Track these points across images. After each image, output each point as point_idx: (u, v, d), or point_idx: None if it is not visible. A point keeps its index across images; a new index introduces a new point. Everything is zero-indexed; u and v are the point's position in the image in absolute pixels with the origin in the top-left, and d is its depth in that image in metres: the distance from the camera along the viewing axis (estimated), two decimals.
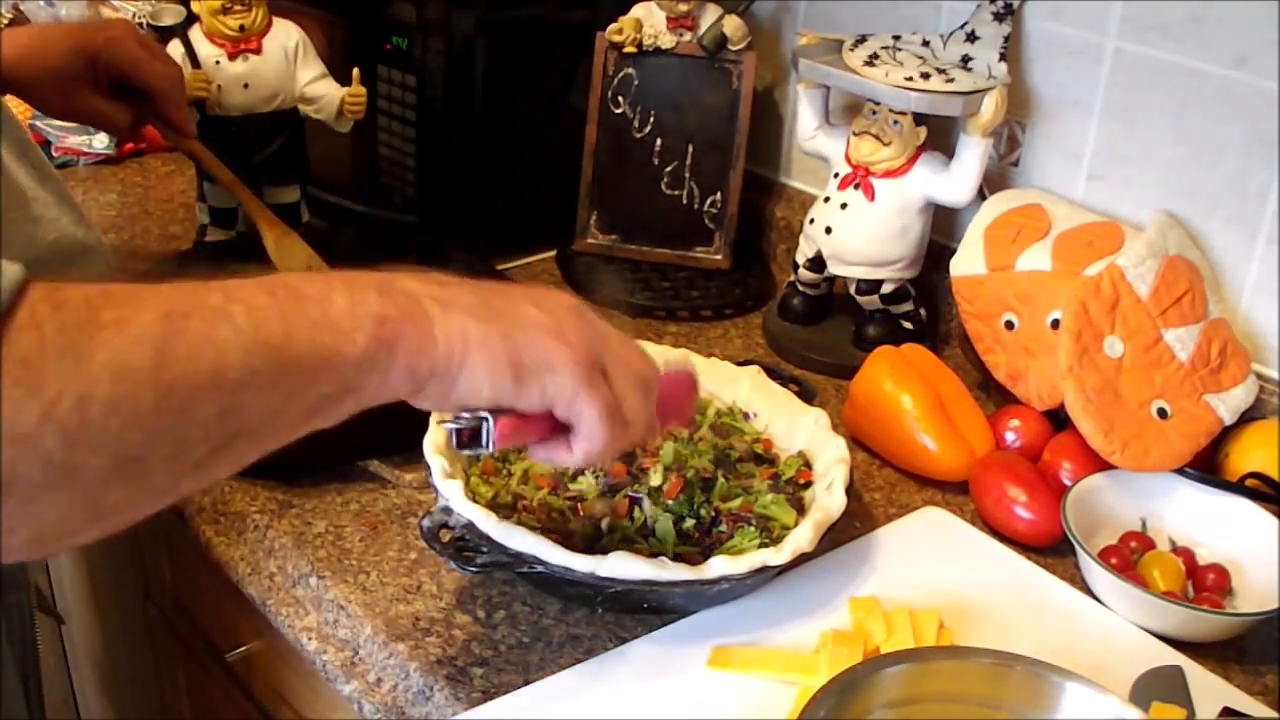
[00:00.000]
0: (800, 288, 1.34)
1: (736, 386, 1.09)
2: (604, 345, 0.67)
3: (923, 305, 1.31)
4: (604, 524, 0.93)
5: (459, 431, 0.67)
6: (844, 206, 1.26)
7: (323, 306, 0.55)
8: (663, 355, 1.03)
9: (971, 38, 1.21)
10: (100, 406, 0.48)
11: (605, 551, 0.89)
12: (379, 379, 0.58)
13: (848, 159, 1.26)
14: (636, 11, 1.36)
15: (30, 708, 0.93)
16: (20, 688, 0.91)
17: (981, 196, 1.23)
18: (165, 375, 0.49)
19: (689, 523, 0.94)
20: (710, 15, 1.36)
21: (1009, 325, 1.15)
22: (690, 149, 1.41)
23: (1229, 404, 1.06)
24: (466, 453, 0.71)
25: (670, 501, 0.95)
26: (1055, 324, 1.10)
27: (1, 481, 0.46)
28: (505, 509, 0.94)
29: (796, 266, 1.32)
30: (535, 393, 0.64)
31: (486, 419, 0.66)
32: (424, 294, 0.61)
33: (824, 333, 1.33)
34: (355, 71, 1.31)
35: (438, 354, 0.60)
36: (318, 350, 0.55)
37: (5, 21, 1.64)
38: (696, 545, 0.93)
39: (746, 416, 1.07)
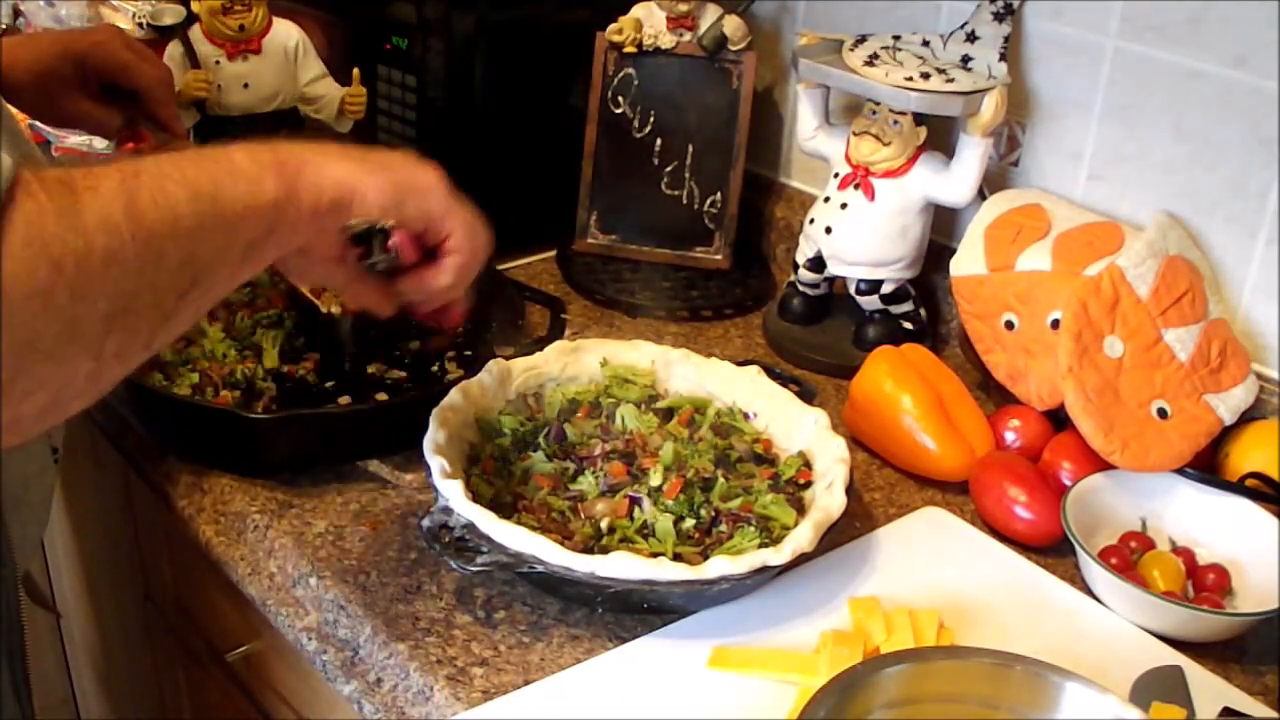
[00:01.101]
0: (800, 288, 1.34)
1: (736, 386, 1.09)
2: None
3: (923, 305, 1.31)
4: (604, 524, 0.93)
5: (356, 237, 0.80)
6: (844, 206, 1.26)
7: (231, 164, 0.66)
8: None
9: (971, 38, 1.21)
10: (98, 258, 0.56)
11: (605, 551, 0.89)
12: (293, 214, 0.69)
13: (848, 159, 1.26)
14: (636, 11, 1.36)
15: (18, 691, 0.93)
16: (5, 664, 0.91)
17: (981, 196, 1.23)
18: (139, 228, 0.58)
19: (689, 523, 0.94)
20: (710, 15, 1.36)
21: (1009, 325, 1.15)
22: (690, 149, 1.41)
23: (1229, 404, 1.06)
24: (371, 264, 0.82)
25: (670, 501, 0.95)
26: (1055, 324, 1.10)
27: (24, 343, 0.53)
28: (505, 509, 0.94)
29: (796, 266, 1.32)
30: (415, 209, 0.78)
31: (384, 230, 0.79)
32: (307, 150, 0.72)
33: (824, 333, 1.33)
34: (355, 71, 1.31)
35: (332, 188, 0.72)
36: (240, 197, 0.65)
37: (2, 27, 1.64)
38: (696, 545, 0.93)
39: (746, 416, 1.07)
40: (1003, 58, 1.20)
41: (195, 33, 1.28)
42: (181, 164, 0.63)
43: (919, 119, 1.21)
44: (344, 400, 1.12)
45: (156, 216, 0.59)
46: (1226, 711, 0.85)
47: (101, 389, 0.60)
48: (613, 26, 1.36)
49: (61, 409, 0.59)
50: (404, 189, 0.77)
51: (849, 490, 0.96)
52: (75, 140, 1.60)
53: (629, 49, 1.36)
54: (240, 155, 0.67)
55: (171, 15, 1.30)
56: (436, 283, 0.84)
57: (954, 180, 1.21)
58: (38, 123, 1.58)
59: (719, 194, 1.42)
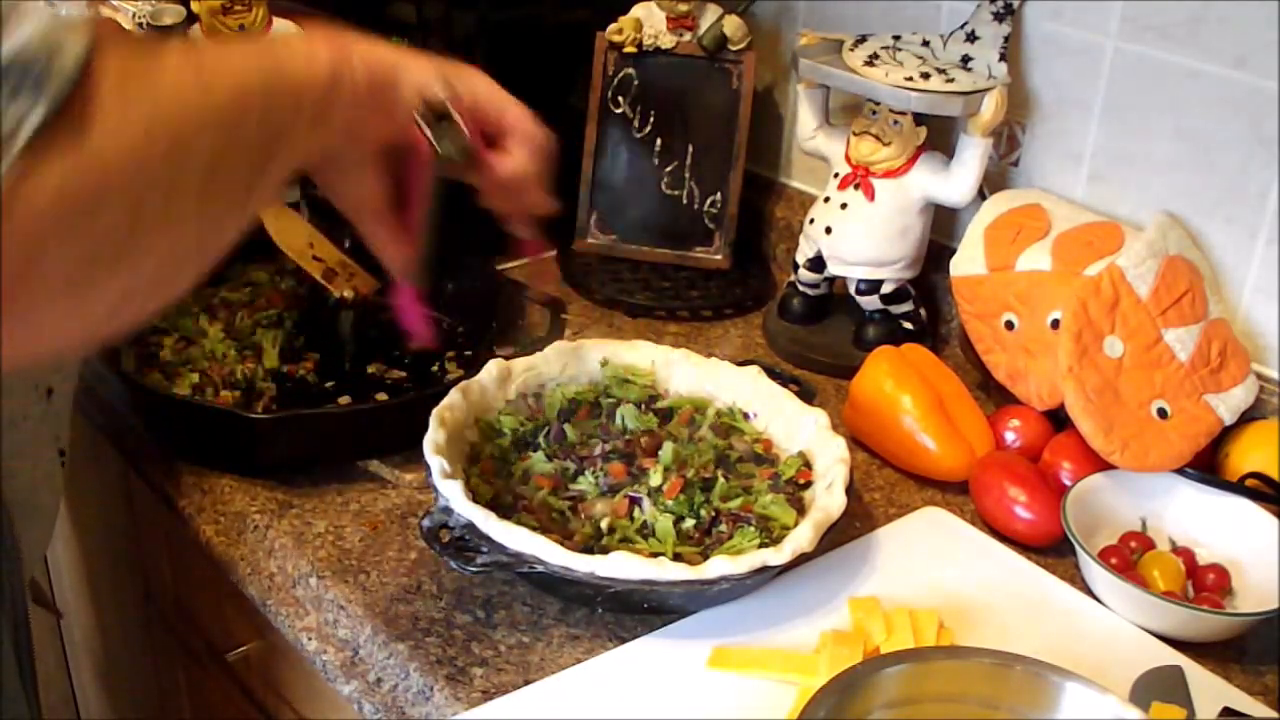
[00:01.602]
0: (800, 288, 1.34)
1: (736, 386, 1.09)
2: None
3: (923, 305, 1.31)
4: (604, 524, 0.93)
5: (429, 109, 0.76)
6: (844, 206, 1.26)
7: (284, 41, 0.68)
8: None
9: (971, 38, 1.21)
10: (193, 118, 0.54)
11: (605, 551, 0.89)
12: (349, 79, 0.68)
13: (848, 159, 1.26)
14: (636, 11, 1.36)
15: (26, 690, 0.93)
16: (19, 680, 0.91)
17: (981, 196, 1.23)
18: (213, 93, 0.56)
19: (689, 523, 0.94)
20: (710, 15, 1.36)
21: (1009, 325, 1.15)
22: (690, 149, 1.41)
23: (1229, 404, 1.06)
24: (444, 154, 0.77)
25: (670, 501, 0.95)
26: (1055, 324, 1.10)
27: (130, 207, 0.51)
28: (505, 509, 0.94)
29: (796, 266, 1.32)
30: (464, 87, 0.77)
31: (443, 114, 0.76)
32: (349, 34, 0.71)
33: (824, 333, 1.33)
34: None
35: (380, 59, 0.72)
36: (300, 65, 0.65)
37: None
38: (696, 545, 0.93)
39: (746, 416, 1.07)
40: (1003, 58, 1.20)
41: (195, 33, 1.28)
42: (240, 46, 0.65)
43: (919, 119, 1.21)
44: (344, 400, 1.12)
45: (227, 80, 0.58)
46: (1226, 711, 0.85)
47: (205, 261, 0.59)
48: (613, 26, 1.36)
49: (171, 282, 0.58)
50: (447, 68, 0.77)
51: (849, 490, 0.96)
52: None
53: (629, 49, 1.36)
54: (295, 40, 0.69)
55: (171, 15, 1.30)
56: (509, 167, 0.81)
57: (954, 180, 1.21)
58: None
59: (719, 194, 1.42)
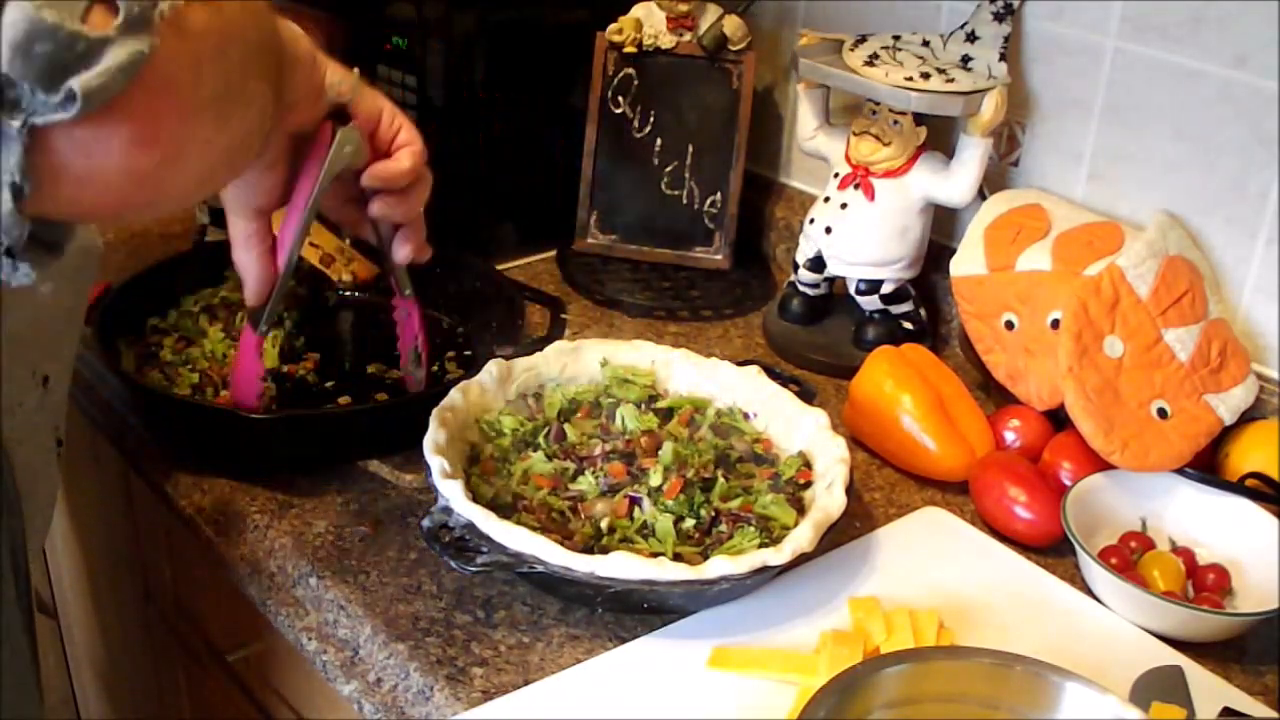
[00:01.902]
0: (800, 288, 1.34)
1: (736, 386, 1.09)
2: None
3: (923, 305, 1.31)
4: (604, 524, 0.93)
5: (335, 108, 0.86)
6: (844, 206, 1.26)
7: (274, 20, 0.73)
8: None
9: (971, 38, 1.21)
10: (236, 37, 0.62)
11: (605, 551, 0.89)
12: (310, 68, 0.80)
13: (848, 159, 1.26)
14: (636, 11, 1.36)
15: (26, 684, 0.93)
16: (31, 685, 0.91)
17: (981, 196, 1.23)
18: (230, 16, 0.63)
19: (689, 523, 0.94)
20: (710, 15, 1.36)
21: (1009, 325, 1.15)
22: (690, 149, 1.41)
23: (1229, 404, 1.06)
24: (342, 138, 0.87)
25: (670, 501, 0.95)
26: (1055, 324, 1.10)
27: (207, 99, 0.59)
28: (505, 509, 0.94)
29: (796, 266, 1.32)
30: (371, 100, 0.88)
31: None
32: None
33: (824, 333, 1.33)
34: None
35: (305, 40, 0.80)
36: (288, 39, 0.75)
37: None
38: (696, 545, 0.93)
39: (746, 416, 1.07)
40: (1003, 58, 1.20)
41: None
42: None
43: (919, 119, 1.21)
44: (344, 400, 1.12)
45: (246, 22, 0.64)
46: (1226, 711, 0.85)
47: (230, 173, 0.69)
48: (613, 26, 1.36)
49: (209, 181, 0.66)
50: (360, 83, 0.87)
51: (849, 490, 0.96)
52: None
53: (629, 49, 1.36)
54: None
55: None
56: (396, 168, 0.90)
57: (954, 180, 1.21)
58: None
59: (719, 194, 1.42)
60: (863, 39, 1.24)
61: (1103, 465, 1.03)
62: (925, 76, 1.16)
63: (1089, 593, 0.97)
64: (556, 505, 0.95)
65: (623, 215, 1.44)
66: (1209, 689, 0.87)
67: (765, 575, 0.90)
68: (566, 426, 1.03)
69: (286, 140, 0.86)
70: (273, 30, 0.70)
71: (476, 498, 0.92)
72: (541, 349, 1.09)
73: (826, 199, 1.28)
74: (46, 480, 0.95)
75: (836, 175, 1.27)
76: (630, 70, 1.38)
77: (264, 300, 0.92)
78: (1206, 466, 1.05)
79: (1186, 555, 1.00)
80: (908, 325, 1.30)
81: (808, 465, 1.01)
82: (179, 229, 1.45)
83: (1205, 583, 0.98)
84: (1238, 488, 1.02)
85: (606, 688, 0.85)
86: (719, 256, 1.44)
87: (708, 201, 1.42)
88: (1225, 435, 1.06)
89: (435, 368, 1.19)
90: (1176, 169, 1.14)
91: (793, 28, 1.42)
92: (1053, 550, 1.03)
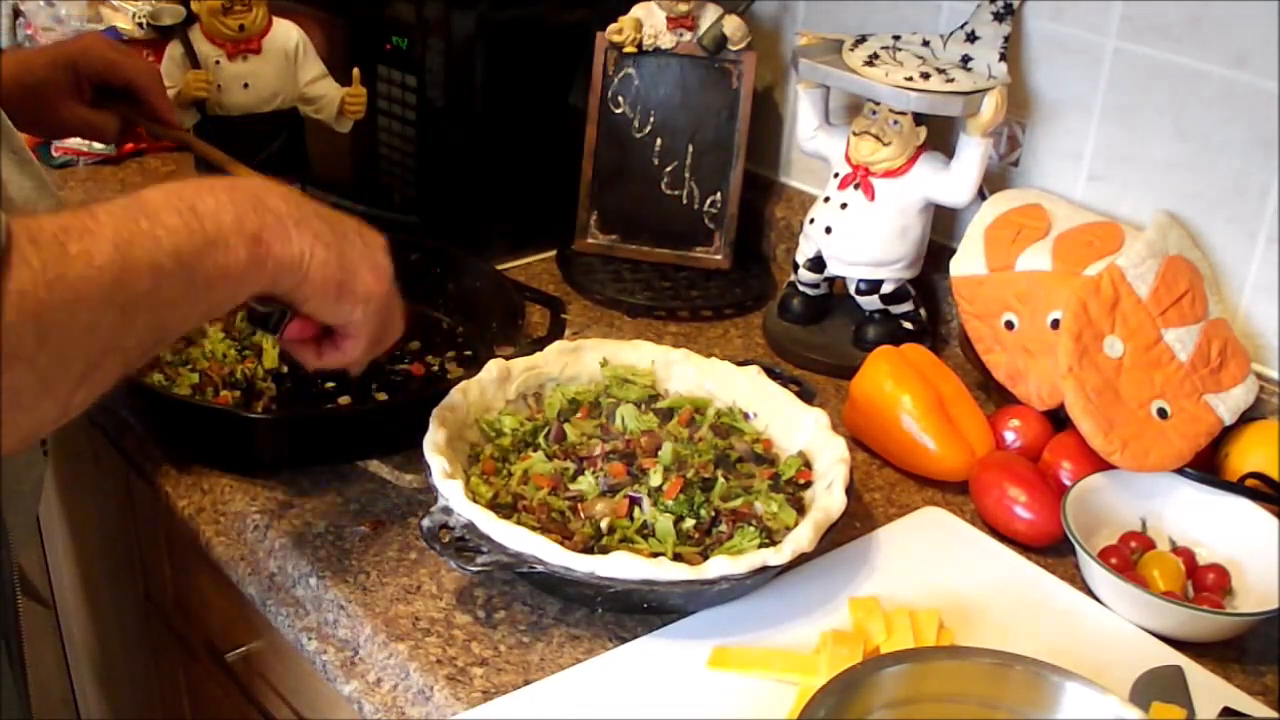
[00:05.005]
0: (800, 288, 1.34)
1: (736, 386, 1.09)
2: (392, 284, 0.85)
3: (923, 305, 1.31)
4: (604, 524, 0.93)
5: (254, 313, 0.82)
6: (844, 206, 1.26)
7: (216, 224, 0.69)
8: None
9: (971, 38, 1.21)
10: (81, 327, 0.60)
11: (605, 551, 0.89)
12: (253, 281, 0.74)
13: (848, 159, 1.26)
14: (636, 11, 1.36)
15: (19, 689, 0.93)
16: (9, 665, 0.91)
17: (981, 196, 1.23)
18: (125, 297, 0.62)
19: (689, 523, 0.94)
20: (710, 15, 1.36)
21: (1009, 325, 1.15)
22: (690, 149, 1.41)
23: (1229, 404, 1.06)
24: (257, 328, 0.85)
25: (670, 501, 0.95)
26: (1055, 324, 1.10)
27: (7, 401, 0.57)
28: (505, 509, 0.94)
29: (796, 266, 1.32)
30: (342, 313, 0.81)
31: (285, 312, 0.81)
32: (286, 215, 0.75)
33: (824, 333, 1.33)
34: (355, 71, 1.31)
35: (290, 262, 0.75)
36: (218, 264, 0.69)
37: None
38: (696, 545, 0.93)
39: (746, 416, 1.07)
40: (1003, 58, 1.20)
41: (195, 33, 1.28)
42: (172, 220, 0.66)
43: (919, 119, 1.21)
44: (344, 400, 1.12)
45: (142, 287, 0.63)
46: (1226, 711, 0.85)
47: (51, 428, 0.64)
48: (613, 26, 1.36)
49: (27, 444, 0.63)
50: (343, 291, 0.79)
51: (849, 490, 0.96)
52: (76, 140, 1.60)
53: (629, 49, 1.36)
54: (228, 216, 0.70)
55: (171, 15, 1.30)
56: (311, 360, 0.87)
57: (954, 180, 1.21)
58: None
59: (719, 194, 1.42)
60: (863, 39, 1.24)
61: (1103, 465, 1.03)
62: (925, 76, 1.16)
63: (1089, 593, 0.97)
64: (556, 505, 0.95)
65: (623, 215, 1.44)
66: (1209, 689, 0.87)
67: (765, 575, 0.90)
68: (566, 426, 1.03)
69: None
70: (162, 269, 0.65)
71: (476, 498, 0.93)
72: (541, 349, 1.09)
73: (826, 199, 1.28)
74: (29, 478, 0.95)
75: (836, 175, 1.27)
76: (630, 70, 1.38)
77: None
78: (1206, 466, 1.05)
79: (1186, 555, 1.00)
80: (908, 325, 1.30)
81: (808, 465, 1.01)
82: None
83: (1205, 583, 0.98)
84: (1238, 488, 1.02)
85: (606, 688, 0.85)
86: (719, 256, 1.44)
87: (708, 201, 1.42)
88: (1225, 435, 1.06)
89: (435, 367, 1.19)
90: (1176, 169, 1.14)
91: (793, 28, 1.42)
92: (1053, 550, 1.03)
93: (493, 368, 1.05)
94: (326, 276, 0.77)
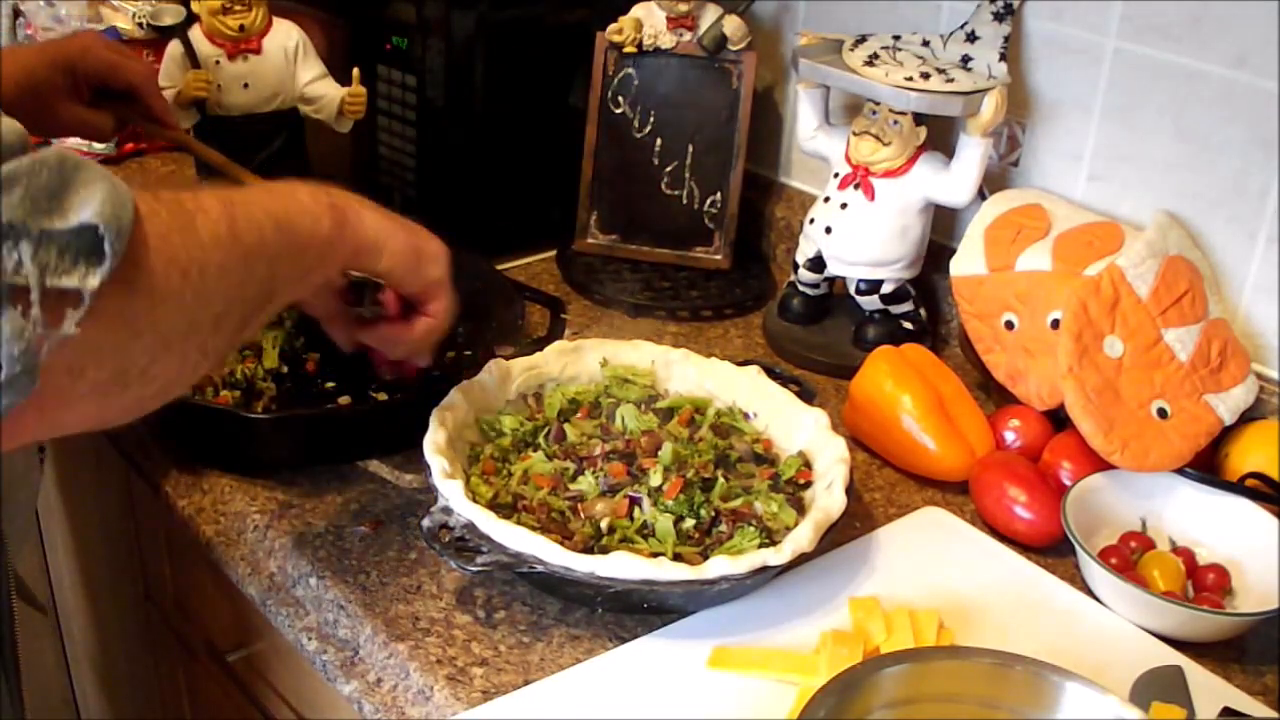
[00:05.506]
0: (800, 288, 1.34)
1: (736, 386, 1.09)
2: None
3: (923, 305, 1.31)
4: (604, 524, 0.93)
5: (352, 287, 0.91)
6: (844, 206, 1.26)
7: (298, 200, 0.76)
8: None
9: (971, 38, 1.21)
10: (214, 269, 0.64)
11: (605, 551, 0.89)
12: (338, 251, 0.80)
13: (848, 159, 1.26)
14: (636, 11, 1.36)
15: (12, 695, 0.93)
16: (4, 677, 0.91)
17: (981, 196, 1.23)
18: (240, 246, 0.67)
19: (689, 523, 0.94)
20: (710, 15, 1.36)
21: (1009, 325, 1.15)
22: (690, 149, 1.41)
23: (1229, 404, 1.06)
24: (359, 312, 0.94)
25: (670, 501, 0.95)
26: (1055, 324, 1.10)
27: (160, 340, 0.61)
28: (505, 509, 0.94)
29: (796, 266, 1.32)
30: (425, 275, 0.89)
31: (375, 282, 0.89)
32: (352, 198, 0.82)
33: (824, 333, 1.33)
34: (355, 71, 1.31)
35: (368, 236, 0.83)
36: (307, 228, 0.76)
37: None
38: (696, 545, 0.93)
39: (746, 416, 1.07)
40: (1003, 58, 1.20)
41: (195, 33, 1.28)
42: (262, 195, 0.74)
43: (919, 119, 1.21)
44: (344, 400, 1.12)
45: (251, 238, 0.69)
46: (1226, 711, 0.85)
47: (191, 382, 0.68)
48: (613, 26, 1.36)
49: (165, 396, 0.66)
50: (421, 254, 0.88)
51: (849, 490, 0.96)
52: (76, 140, 1.60)
53: (629, 49, 1.36)
54: (304, 193, 0.77)
55: (171, 15, 1.30)
56: (406, 336, 0.94)
57: (954, 180, 1.21)
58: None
59: (719, 194, 1.42)
60: (863, 39, 1.24)
61: (1103, 465, 1.03)
62: (925, 76, 1.16)
63: (1089, 593, 0.97)
64: (556, 505, 0.95)
65: (623, 215, 1.44)
66: (1209, 689, 0.87)
67: (765, 575, 0.90)
68: (566, 426, 1.03)
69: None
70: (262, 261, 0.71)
71: (476, 498, 0.93)
72: (541, 349, 1.09)
73: (826, 199, 1.28)
74: (25, 485, 0.95)
75: (836, 175, 1.27)
76: (630, 70, 1.38)
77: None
78: (1206, 466, 1.05)
79: (1186, 555, 1.00)
80: (908, 325, 1.30)
81: (808, 465, 1.01)
82: None
83: (1205, 583, 0.98)
84: (1238, 488, 1.02)
85: (606, 688, 0.85)
86: (719, 256, 1.44)
87: (708, 201, 1.42)
88: (1225, 435, 1.06)
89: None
90: (1176, 169, 1.14)
91: (793, 28, 1.42)
92: (1053, 550, 1.03)
93: (493, 368, 1.05)
94: (403, 244, 0.85)
